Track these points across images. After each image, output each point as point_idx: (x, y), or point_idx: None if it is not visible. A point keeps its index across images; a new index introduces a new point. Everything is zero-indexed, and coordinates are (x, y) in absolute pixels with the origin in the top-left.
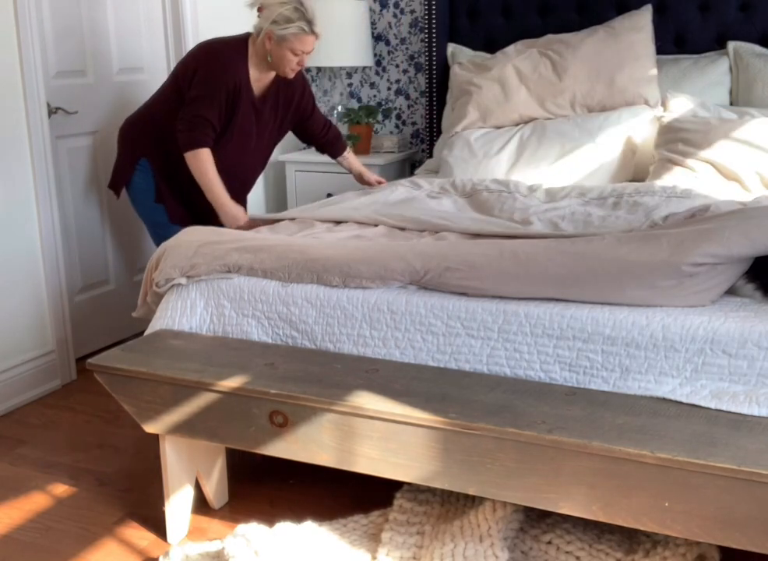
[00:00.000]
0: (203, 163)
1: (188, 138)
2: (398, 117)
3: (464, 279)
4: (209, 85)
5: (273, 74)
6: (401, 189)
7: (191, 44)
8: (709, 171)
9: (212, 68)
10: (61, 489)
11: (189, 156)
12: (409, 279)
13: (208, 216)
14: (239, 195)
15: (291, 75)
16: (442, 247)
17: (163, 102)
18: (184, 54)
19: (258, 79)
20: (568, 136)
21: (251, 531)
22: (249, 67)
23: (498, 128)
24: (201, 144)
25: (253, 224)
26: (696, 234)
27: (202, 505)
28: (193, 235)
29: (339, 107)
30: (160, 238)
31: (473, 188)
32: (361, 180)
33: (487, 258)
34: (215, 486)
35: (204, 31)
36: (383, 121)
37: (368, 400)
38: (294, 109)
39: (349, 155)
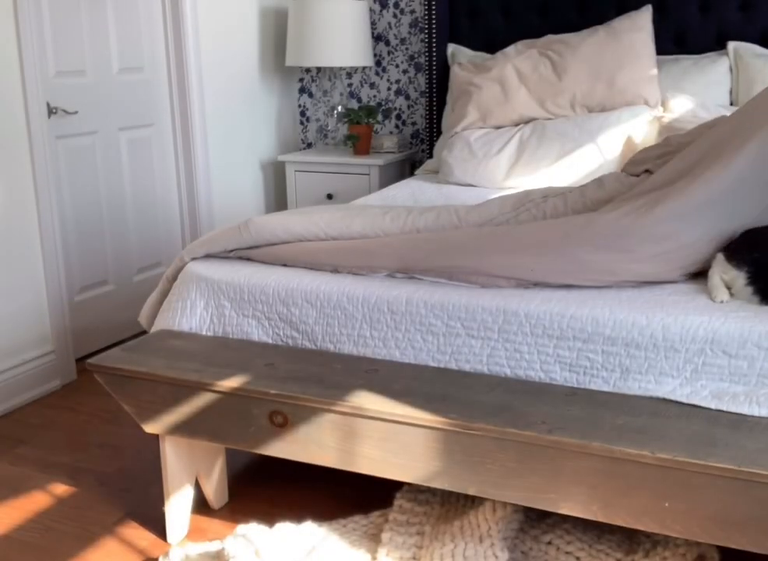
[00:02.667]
0: None
1: None
2: (398, 117)
3: (448, 259)
4: None
5: None
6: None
7: (191, 43)
8: None
9: None
10: (61, 489)
11: None
12: (396, 265)
13: None
14: None
15: None
16: (426, 234)
17: None
18: (184, 54)
19: None
20: (569, 136)
21: (251, 530)
22: None
23: (498, 128)
24: None
25: None
26: (661, 195)
27: (202, 505)
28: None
29: (340, 108)
30: None
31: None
32: None
33: (468, 236)
34: (215, 486)
35: (204, 31)
36: (383, 121)
37: (368, 400)
38: None
39: None
